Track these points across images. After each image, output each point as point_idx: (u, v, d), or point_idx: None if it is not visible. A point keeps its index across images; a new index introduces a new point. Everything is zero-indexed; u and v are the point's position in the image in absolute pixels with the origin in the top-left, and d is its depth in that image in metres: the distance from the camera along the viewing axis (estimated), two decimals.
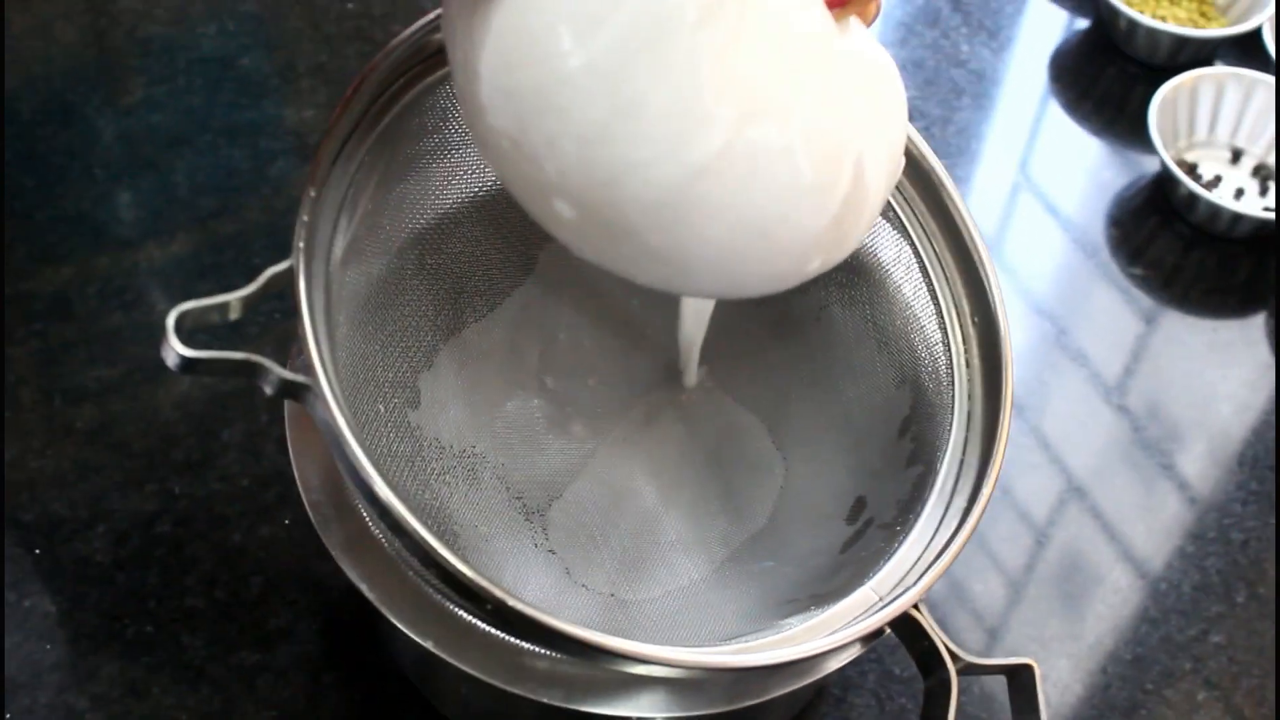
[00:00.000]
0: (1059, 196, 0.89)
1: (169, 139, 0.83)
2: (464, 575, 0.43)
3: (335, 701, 0.63)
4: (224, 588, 0.66)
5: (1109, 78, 0.96)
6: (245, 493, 0.69)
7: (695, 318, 0.59)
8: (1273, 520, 0.74)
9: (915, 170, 0.58)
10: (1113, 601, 0.71)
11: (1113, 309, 0.83)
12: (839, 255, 0.48)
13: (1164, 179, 0.87)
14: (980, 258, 0.57)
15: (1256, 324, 0.84)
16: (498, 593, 0.43)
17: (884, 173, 0.47)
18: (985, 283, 0.57)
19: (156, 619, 0.65)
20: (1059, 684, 0.68)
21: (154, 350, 0.72)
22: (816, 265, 0.47)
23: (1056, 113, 0.94)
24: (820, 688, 0.65)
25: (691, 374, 0.64)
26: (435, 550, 0.43)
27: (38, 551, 0.66)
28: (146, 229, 0.79)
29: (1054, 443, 0.77)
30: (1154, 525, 0.74)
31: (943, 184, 0.58)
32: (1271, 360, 0.82)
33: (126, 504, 0.68)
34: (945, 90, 0.93)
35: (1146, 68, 0.95)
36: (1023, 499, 0.74)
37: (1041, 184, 0.89)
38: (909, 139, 0.57)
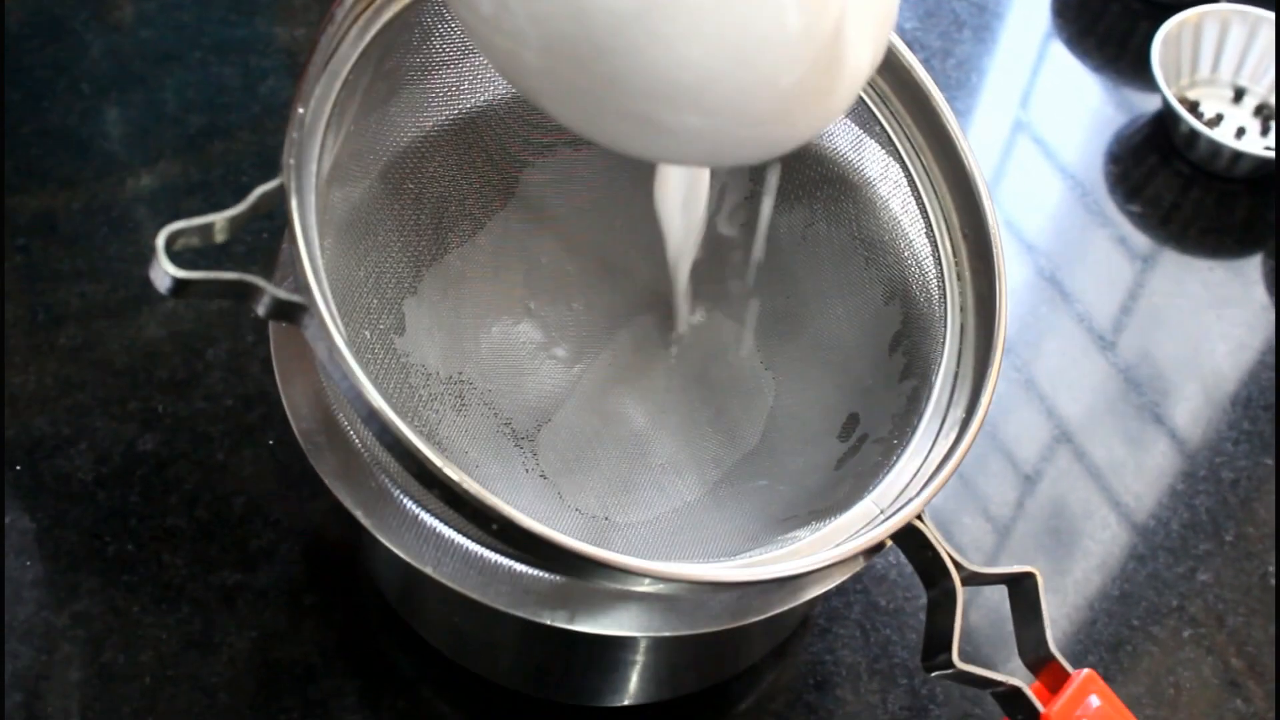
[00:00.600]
0: (1059, 133, 0.88)
1: (158, 55, 0.82)
2: (470, 493, 0.41)
3: (316, 623, 0.63)
4: (206, 507, 0.66)
5: (1112, 13, 0.94)
6: (229, 412, 0.68)
7: (680, 247, 0.58)
8: (1265, 460, 0.74)
9: (902, 83, 0.57)
10: (1102, 538, 0.71)
11: (1108, 248, 0.83)
12: (819, 117, 0.45)
13: (1165, 116, 0.86)
14: (970, 168, 0.56)
15: (1253, 264, 0.83)
16: (505, 510, 0.42)
17: (869, 38, 0.43)
18: (976, 193, 0.56)
19: (137, 537, 0.64)
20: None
21: (139, 268, 0.72)
22: (794, 124, 0.44)
23: (1058, 48, 0.92)
24: (805, 617, 0.65)
25: (683, 319, 0.63)
26: (439, 468, 0.41)
27: (18, 468, 0.66)
28: (134, 146, 0.78)
29: (1046, 382, 0.76)
30: (1145, 464, 0.74)
31: (930, 96, 0.57)
32: (1267, 301, 0.81)
33: (109, 422, 0.67)
34: (946, 22, 0.92)
35: (1150, 4, 0.94)
36: (1012, 438, 0.74)
37: (1041, 120, 0.88)
38: (898, 51, 0.56)
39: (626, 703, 0.61)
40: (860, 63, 0.43)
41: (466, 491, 0.41)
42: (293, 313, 0.43)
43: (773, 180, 0.60)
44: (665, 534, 0.58)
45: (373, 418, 0.42)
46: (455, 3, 0.43)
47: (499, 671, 0.61)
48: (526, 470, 0.60)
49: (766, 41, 0.39)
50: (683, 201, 0.55)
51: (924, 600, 0.65)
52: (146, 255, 0.72)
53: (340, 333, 0.42)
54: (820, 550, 0.49)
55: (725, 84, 0.40)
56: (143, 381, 0.69)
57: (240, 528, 0.65)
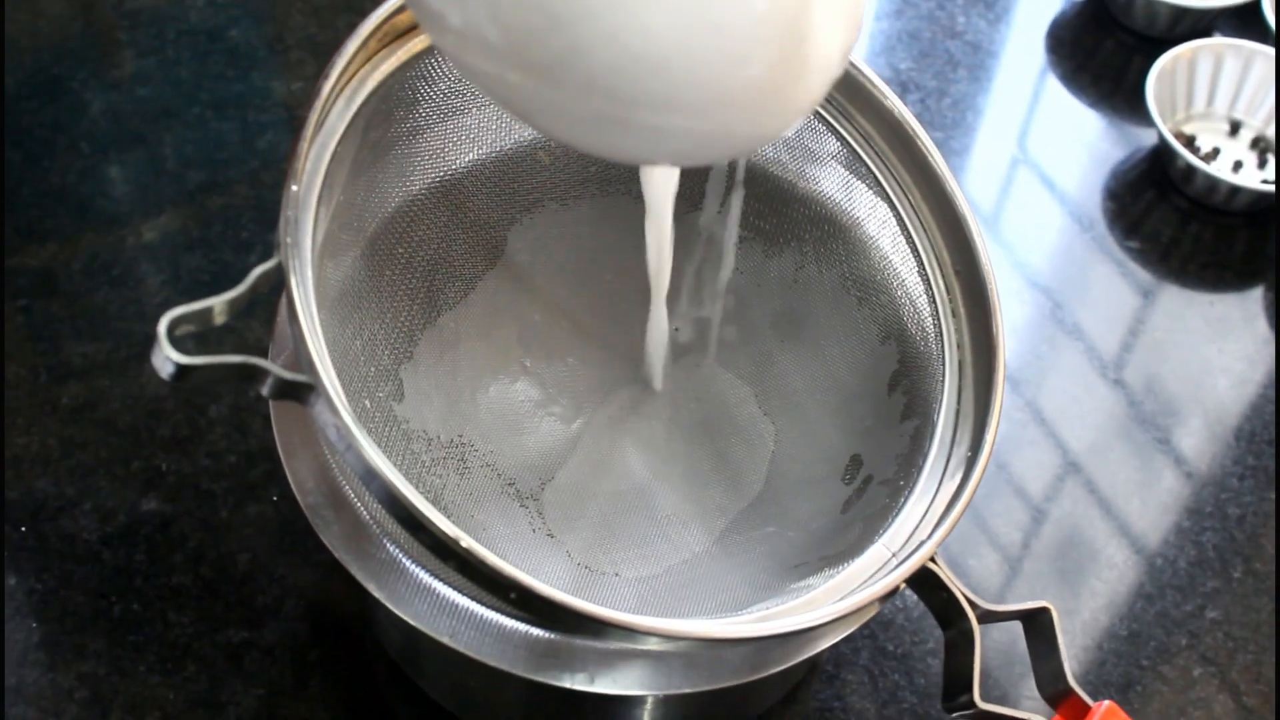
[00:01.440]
0: (1056, 169, 0.88)
1: (157, 112, 0.82)
2: (487, 564, 0.42)
3: (322, 680, 0.63)
4: (211, 565, 0.65)
5: (1107, 49, 0.95)
6: (232, 469, 0.68)
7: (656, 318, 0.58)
8: (1269, 495, 0.74)
9: (886, 122, 0.57)
10: (1108, 577, 0.70)
11: (1109, 283, 0.83)
12: (789, 109, 0.43)
13: (1161, 151, 0.86)
14: (959, 206, 0.56)
15: (1254, 298, 0.83)
16: (522, 579, 0.42)
17: (839, 28, 0.42)
18: (966, 230, 0.56)
19: (143, 597, 0.64)
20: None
21: (141, 325, 0.72)
22: (762, 115, 0.42)
23: (1054, 85, 0.93)
24: (813, 664, 0.65)
25: (658, 378, 0.64)
26: (454, 541, 0.41)
27: (23, 529, 0.66)
28: (134, 204, 0.78)
29: (1050, 418, 0.76)
30: (1150, 501, 0.73)
31: (914, 135, 0.57)
32: (1269, 334, 0.81)
33: (113, 481, 0.67)
34: (941, 62, 0.92)
35: (1144, 39, 0.94)
36: (1019, 474, 0.74)
37: (1038, 157, 0.89)
38: (874, 84, 0.57)
39: None
40: (830, 54, 0.42)
41: (484, 563, 0.42)
42: (298, 392, 0.43)
43: (736, 204, 0.61)
44: (677, 587, 0.58)
45: (386, 495, 0.42)
46: (423, 17, 0.42)
47: None
48: (534, 530, 0.60)
49: (730, 16, 0.38)
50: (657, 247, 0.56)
51: (932, 644, 0.66)
52: (148, 312, 0.73)
53: (347, 410, 0.42)
54: (835, 598, 0.49)
55: (689, 61, 0.39)
56: (145, 440, 0.69)
57: (245, 585, 0.65)
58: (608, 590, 0.58)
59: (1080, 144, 0.90)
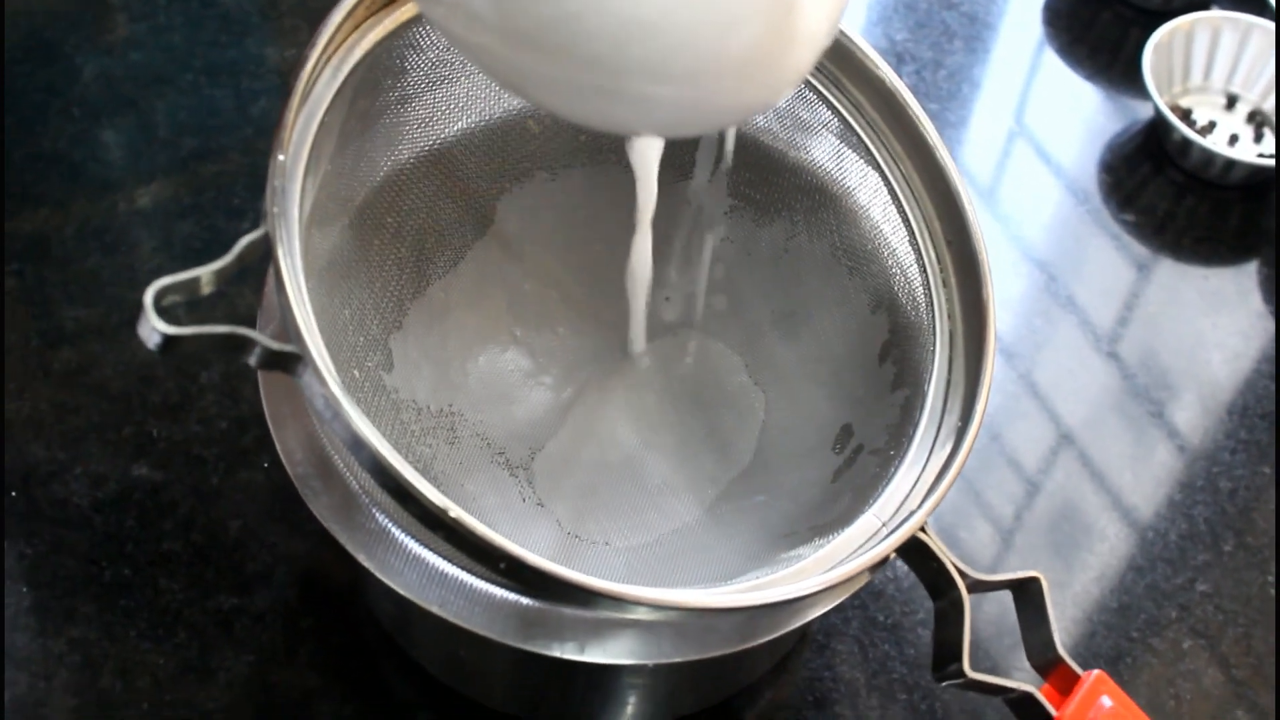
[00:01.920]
0: (1052, 142, 0.88)
1: (150, 78, 0.82)
2: (477, 534, 0.42)
3: (313, 648, 0.63)
4: (201, 531, 0.65)
5: (1104, 22, 0.94)
6: (224, 435, 0.68)
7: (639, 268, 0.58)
8: (1262, 469, 0.74)
9: (877, 91, 0.57)
10: (1100, 550, 0.70)
11: (1104, 257, 0.82)
12: (778, 79, 0.43)
13: (1158, 125, 0.86)
14: (951, 176, 0.56)
15: (1249, 272, 0.83)
16: (512, 549, 0.42)
17: (825, 3, 0.42)
18: (957, 199, 0.56)
19: (134, 562, 0.64)
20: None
21: (133, 291, 0.72)
22: (751, 83, 0.42)
23: (1050, 57, 0.92)
24: (803, 634, 0.65)
25: (640, 340, 0.63)
26: (443, 512, 0.41)
27: (13, 494, 0.65)
28: (126, 169, 0.78)
29: (1044, 391, 0.76)
30: (1143, 474, 0.74)
31: (905, 104, 0.57)
32: (1263, 309, 0.81)
33: (104, 447, 0.67)
34: (937, 33, 0.92)
35: (1142, 11, 0.94)
36: (1011, 447, 0.74)
37: (1034, 130, 0.88)
38: (865, 53, 0.56)
39: None
40: (818, 24, 0.42)
41: (473, 533, 0.41)
42: (285, 362, 0.43)
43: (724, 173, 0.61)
44: (667, 557, 0.58)
45: (375, 465, 0.42)
46: None
47: (496, 698, 0.61)
48: (524, 499, 0.60)
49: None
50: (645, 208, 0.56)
51: (922, 615, 0.66)
52: (141, 278, 0.72)
53: (335, 380, 0.42)
54: (825, 568, 0.49)
55: (678, 28, 0.38)
56: (137, 405, 0.69)
57: (236, 552, 0.65)
58: (597, 559, 0.58)
59: (1077, 117, 0.89)
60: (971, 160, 0.86)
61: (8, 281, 0.72)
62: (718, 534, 0.58)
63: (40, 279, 0.73)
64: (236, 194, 0.77)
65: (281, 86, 0.83)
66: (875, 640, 0.66)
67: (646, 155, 0.53)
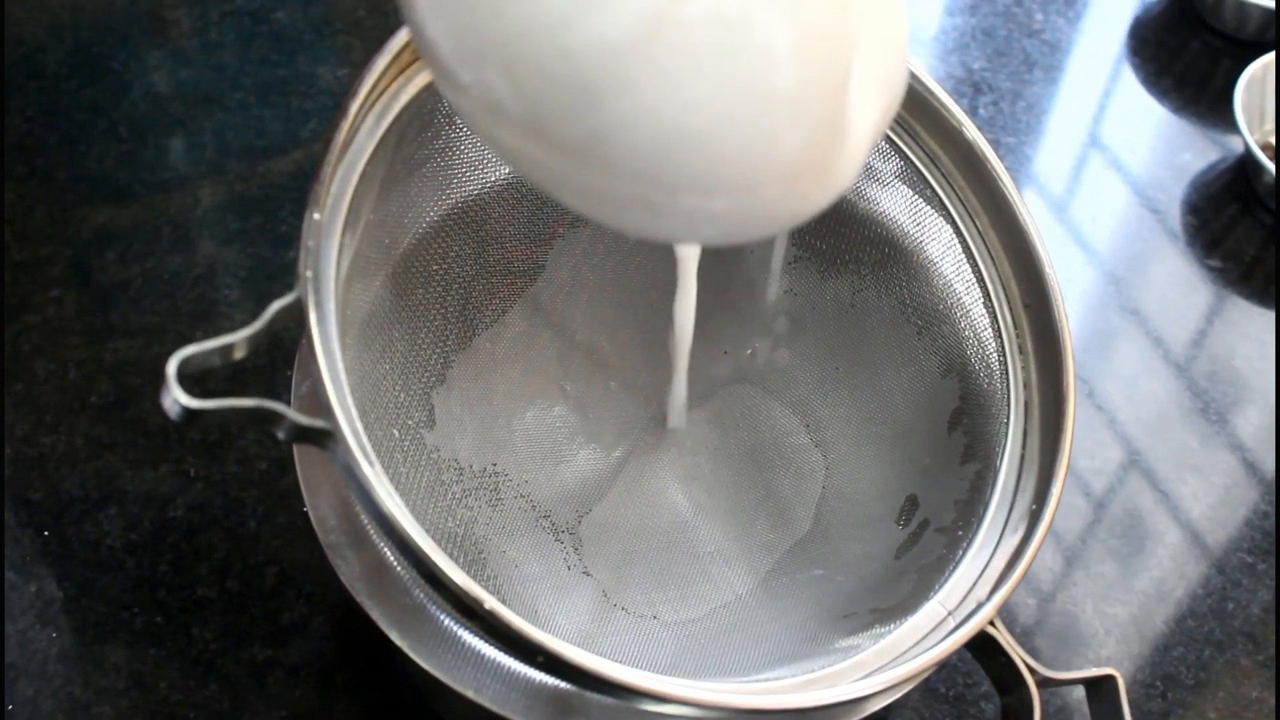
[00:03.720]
0: (1133, 179, 0.84)
1: (198, 97, 0.80)
2: (514, 629, 0.39)
3: (348, 706, 0.60)
4: (237, 578, 0.63)
5: (1192, 51, 0.90)
6: (262, 477, 0.66)
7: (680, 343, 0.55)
8: None
9: (953, 141, 0.54)
10: (1167, 566, 0.67)
11: (1184, 299, 0.79)
12: (813, 199, 0.40)
13: (1247, 163, 0.82)
14: (1030, 234, 0.53)
15: None
16: (550, 645, 0.39)
17: (877, 100, 0.39)
18: (1036, 261, 0.53)
19: (166, 609, 0.62)
20: (1098, 637, 0.65)
21: (174, 323, 0.70)
22: (783, 201, 0.39)
23: (1133, 87, 0.89)
24: None
25: (679, 413, 0.60)
26: (478, 603, 0.39)
27: (46, 533, 0.63)
28: (171, 191, 0.76)
29: (1109, 406, 0.73)
30: (1209, 492, 0.70)
31: (983, 157, 0.54)
32: None
33: (139, 485, 0.65)
34: (1016, 62, 0.88)
35: (1233, 42, 0.89)
36: (1074, 463, 0.70)
37: (1117, 165, 0.85)
38: (941, 102, 0.53)
39: None
40: (870, 122, 0.40)
41: (509, 626, 0.39)
42: (316, 437, 0.40)
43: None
44: (718, 634, 0.55)
45: (410, 553, 0.39)
46: (444, 88, 0.39)
47: None
48: (569, 568, 0.57)
49: (773, 87, 0.36)
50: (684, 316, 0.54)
51: (986, 687, 0.63)
52: (182, 308, 0.70)
53: (368, 459, 0.39)
54: (887, 660, 0.46)
55: (730, 138, 0.36)
56: (174, 443, 0.67)
57: (272, 600, 0.63)
58: (644, 636, 0.55)
59: (1160, 152, 0.85)
60: (1051, 195, 0.82)
61: (47, 309, 0.70)
62: (772, 610, 0.55)
63: (80, 307, 0.70)
64: (283, 220, 0.75)
65: (334, 107, 0.80)
66: (936, 714, 0.62)
67: (686, 256, 0.51)
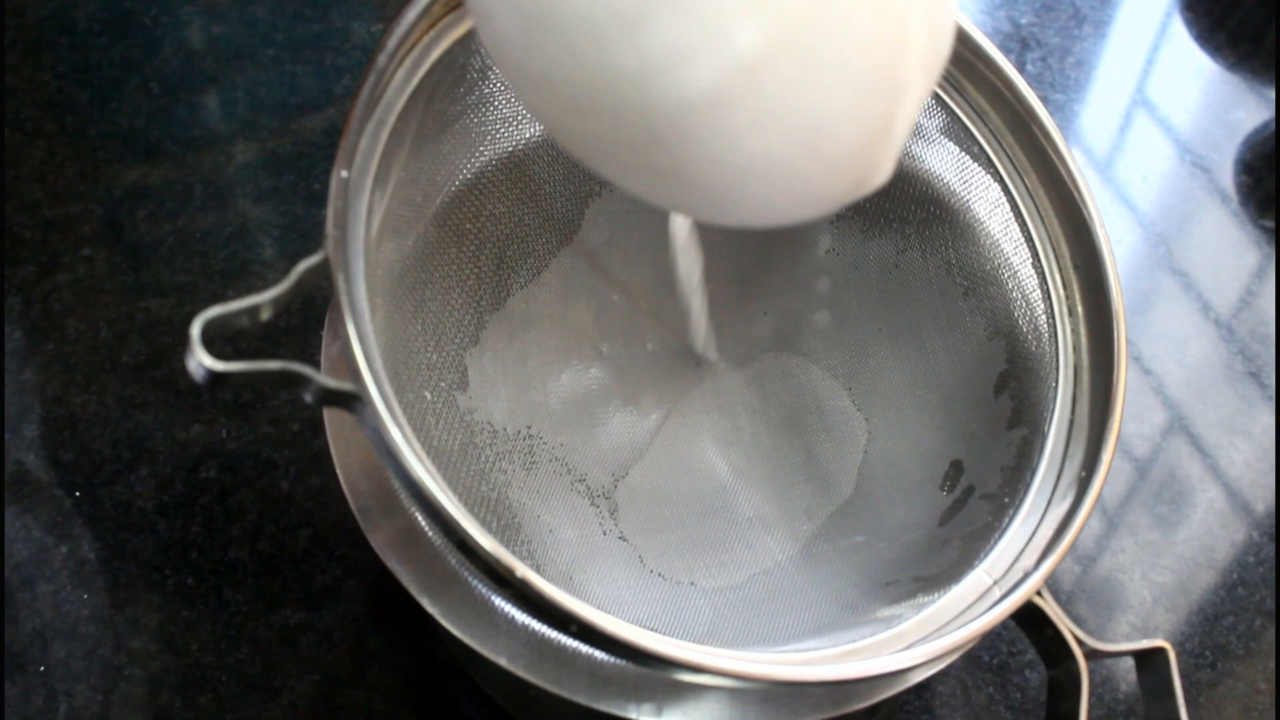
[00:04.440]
0: (1183, 138, 0.82)
1: (230, 53, 0.79)
2: (547, 598, 0.38)
3: (381, 669, 0.60)
4: (269, 540, 0.62)
5: (1246, 7, 0.88)
6: (296, 438, 0.65)
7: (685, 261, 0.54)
8: None
9: (1001, 98, 0.52)
10: (1216, 534, 0.66)
11: (1234, 260, 0.77)
12: (874, 178, 0.40)
13: None
14: (1081, 193, 0.51)
15: None
16: (584, 614, 0.38)
17: (927, 65, 0.38)
18: (1088, 220, 0.51)
19: (198, 571, 0.61)
20: (1144, 605, 0.64)
21: (206, 282, 0.69)
22: (840, 188, 0.39)
23: (1185, 43, 0.86)
24: None
25: (701, 341, 0.59)
26: (510, 571, 0.38)
27: (78, 494, 0.63)
28: (203, 149, 0.75)
29: (1155, 369, 0.71)
30: (1258, 457, 0.69)
31: (1033, 112, 0.52)
32: None
33: (171, 445, 0.64)
34: (1065, 17, 0.86)
35: None
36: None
37: (1164, 123, 0.82)
38: (990, 58, 0.52)
39: None
40: (916, 98, 0.39)
41: (541, 595, 0.38)
42: (345, 400, 0.39)
43: None
44: (757, 601, 0.54)
45: (440, 521, 0.38)
46: (485, 38, 0.38)
47: None
48: (604, 532, 0.56)
49: (837, 129, 0.36)
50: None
51: (1030, 656, 0.61)
52: (214, 266, 0.69)
53: (398, 424, 0.38)
54: (930, 630, 0.45)
55: (789, 175, 0.37)
56: (206, 403, 0.66)
57: (304, 563, 0.62)
58: (682, 603, 0.54)
59: (1213, 110, 0.83)
60: (1098, 151, 0.80)
61: (78, 268, 0.69)
62: (812, 577, 0.54)
63: (111, 265, 0.70)
64: (317, 178, 0.74)
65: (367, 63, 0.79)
66: (979, 682, 0.61)
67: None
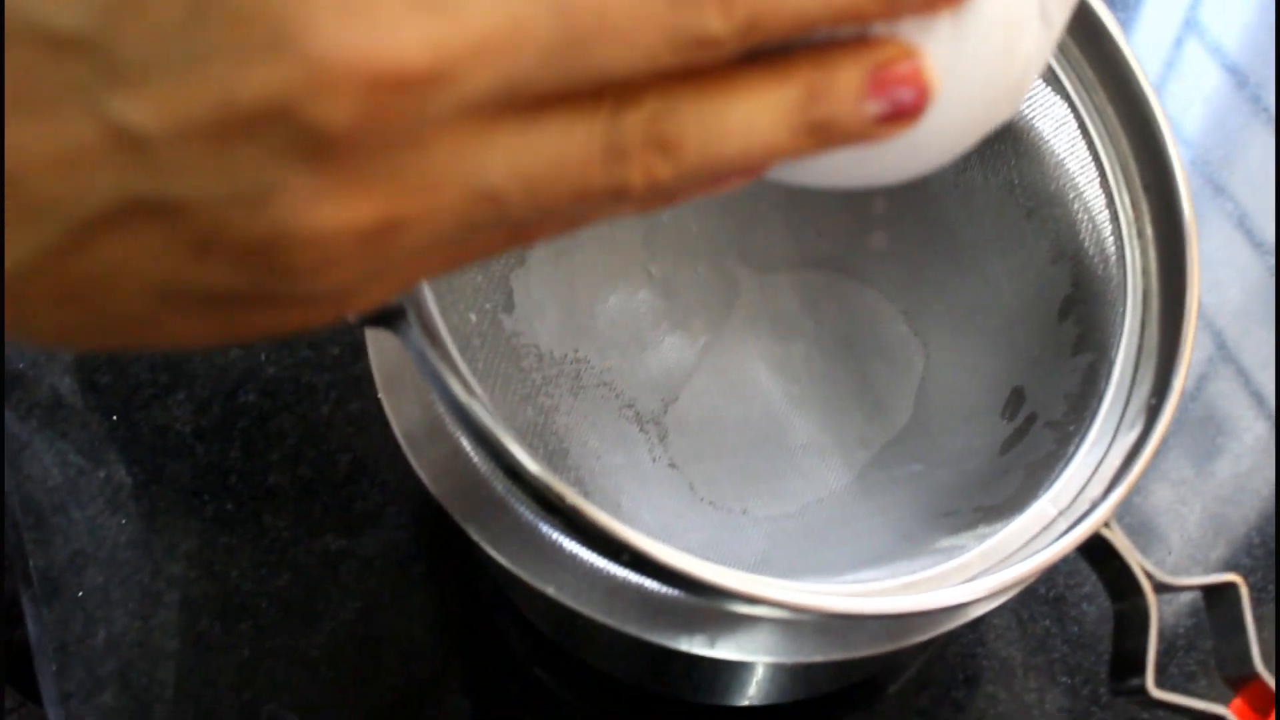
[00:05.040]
0: (1231, 63, 0.79)
1: None
2: (598, 525, 0.36)
3: (423, 597, 0.59)
4: (309, 465, 0.61)
5: None
6: (336, 362, 0.64)
7: None
8: None
9: None
10: (1256, 458, 0.65)
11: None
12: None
13: None
14: (1153, 111, 0.48)
15: None
16: (636, 543, 0.36)
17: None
18: (1159, 139, 0.48)
19: (237, 496, 0.60)
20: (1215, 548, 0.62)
21: None
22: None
23: None
24: None
25: None
26: (560, 498, 0.36)
27: (114, 418, 0.62)
28: None
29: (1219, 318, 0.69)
30: None
31: (1101, 24, 0.49)
32: None
33: (209, 369, 0.63)
34: None
35: None
36: None
37: (1214, 49, 0.80)
38: None
39: (755, 703, 0.55)
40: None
41: (593, 523, 0.36)
42: (388, 320, 0.37)
43: None
44: (811, 530, 0.52)
45: (484, 441, 0.36)
46: None
47: (617, 668, 0.56)
48: (654, 459, 0.54)
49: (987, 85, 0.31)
50: None
51: (1089, 588, 0.60)
52: None
53: (442, 344, 0.37)
54: (992, 563, 0.43)
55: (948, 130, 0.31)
56: None
57: (345, 488, 0.61)
58: (734, 532, 0.52)
59: (1261, 38, 0.80)
60: (1143, 64, 0.78)
61: None
62: (868, 507, 0.52)
63: None
64: None
65: None
66: (1035, 615, 0.60)
67: None
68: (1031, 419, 0.50)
